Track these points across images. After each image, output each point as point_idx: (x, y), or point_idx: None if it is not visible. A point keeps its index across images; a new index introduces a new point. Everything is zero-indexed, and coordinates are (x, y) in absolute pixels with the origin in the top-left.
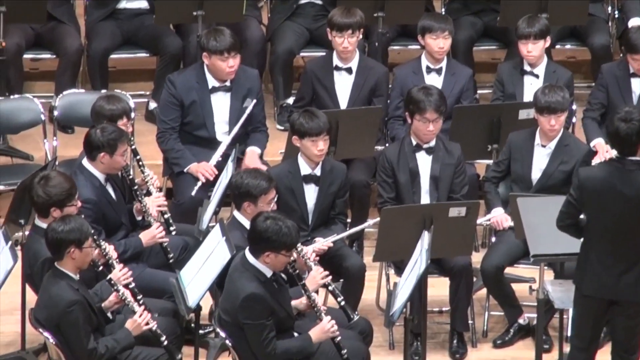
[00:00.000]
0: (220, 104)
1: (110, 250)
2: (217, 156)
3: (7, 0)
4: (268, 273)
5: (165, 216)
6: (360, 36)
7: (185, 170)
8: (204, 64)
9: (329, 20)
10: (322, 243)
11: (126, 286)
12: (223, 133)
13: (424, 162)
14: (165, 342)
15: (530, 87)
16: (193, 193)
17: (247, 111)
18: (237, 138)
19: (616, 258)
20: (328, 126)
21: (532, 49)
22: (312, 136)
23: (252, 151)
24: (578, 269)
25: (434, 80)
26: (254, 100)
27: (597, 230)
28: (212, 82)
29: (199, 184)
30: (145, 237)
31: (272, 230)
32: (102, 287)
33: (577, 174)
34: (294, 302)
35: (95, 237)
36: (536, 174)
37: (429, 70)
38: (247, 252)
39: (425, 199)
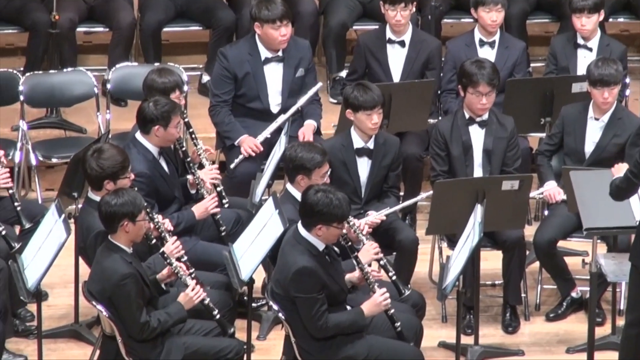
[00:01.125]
0: (273, 75)
1: (164, 223)
2: (266, 133)
3: None
4: (320, 246)
5: (218, 189)
6: (413, 9)
7: (236, 143)
8: (256, 35)
9: None
10: (375, 216)
11: (179, 259)
12: (277, 104)
13: (477, 136)
14: (218, 316)
15: (584, 60)
16: (232, 166)
17: (311, 92)
18: (289, 109)
19: None
20: (382, 99)
21: (586, 23)
22: (366, 109)
23: (309, 125)
24: (635, 245)
25: (487, 54)
26: (319, 84)
27: None
28: (264, 53)
29: (241, 157)
30: (198, 209)
31: (323, 203)
32: (155, 260)
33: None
34: (347, 276)
35: (148, 210)
36: (589, 147)
37: (482, 43)
38: (299, 225)
39: (478, 172)
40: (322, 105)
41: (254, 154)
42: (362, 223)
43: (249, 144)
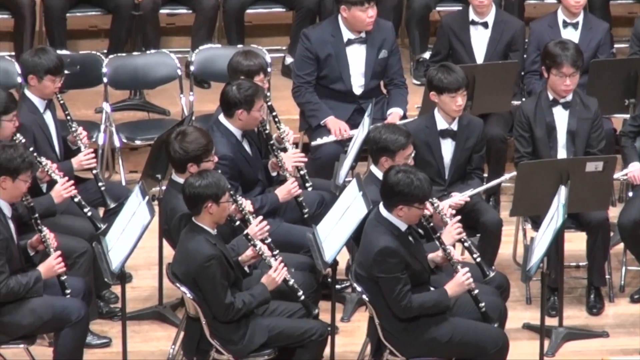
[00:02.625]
0: (356, 56)
1: (247, 205)
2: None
3: None
4: (402, 227)
5: (302, 172)
6: None
7: (322, 123)
8: (338, 17)
9: None
10: (459, 198)
11: (262, 241)
12: (359, 86)
13: (561, 117)
14: (302, 297)
15: None
16: (314, 143)
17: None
18: (372, 91)
19: None
20: (466, 81)
21: None
22: (450, 92)
23: (395, 114)
24: None
25: (571, 35)
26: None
27: None
28: (347, 34)
29: (329, 139)
30: (281, 192)
31: (404, 183)
32: (239, 242)
33: None
34: (430, 256)
35: (232, 192)
36: None
37: (565, 24)
38: (381, 206)
39: (562, 153)
40: (407, 87)
41: (341, 138)
42: (446, 205)
43: (336, 126)
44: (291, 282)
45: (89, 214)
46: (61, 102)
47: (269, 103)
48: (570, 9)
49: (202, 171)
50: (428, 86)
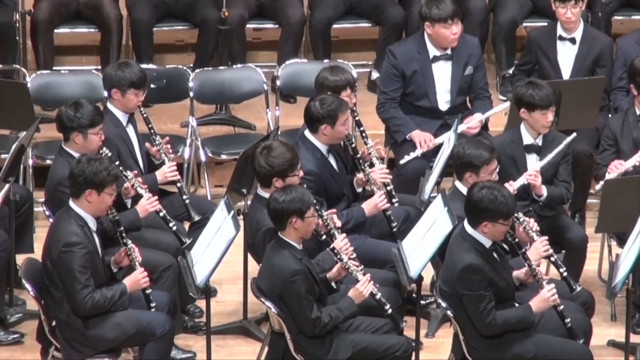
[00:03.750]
0: (442, 73)
1: (333, 219)
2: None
3: None
4: (487, 243)
5: (388, 188)
6: (584, 6)
7: (407, 137)
8: (424, 33)
9: None
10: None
11: (348, 256)
12: (445, 102)
13: None
14: (390, 311)
15: None
16: (402, 162)
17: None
18: (458, 107)
19: None
20: (556, 97)
21: None
22: (542, 108)
23: (475, 117)
24: None
25: None
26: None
27: None
28: (433, 51)
29: (416, 153)
30: (368, 206)
31: (488, 199)
32: (324, 256)
33: None
34: (515, 273)
35: (317, 207)
36: None
37: None
38: (465, 222)
39: None
40: (492, 102)
41: (425, 149)
42: (532, 221)
43: (425, 137)
44: (378, 295)
45: (174, 228)
46: (144, 115)
47: (357, 118)
48: None
49: (286, 186)
50: (517, 103)
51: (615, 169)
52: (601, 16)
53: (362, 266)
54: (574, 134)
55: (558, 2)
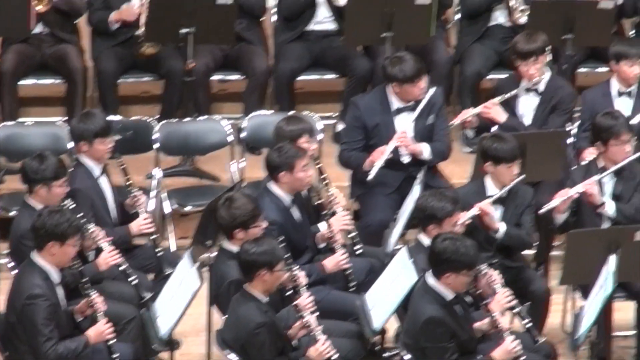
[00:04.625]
0: (405, 125)
1: (301, 276)
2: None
3: (196, 22)
4: (449, 296)
5: (351, 235)
6: (547, 58)
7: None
8: (388, 85)
9: (512, 47)
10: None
11: (311, 314)
12: (407, 155)
13: (609, 183)
14: None
15: None
16: (370, 178)
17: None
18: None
19: None
20: (521, 150)
21: None
22: (508, 162)
23: (422, 145)
24: None
25: (625, 103)
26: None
27: None
28: (396, 103)
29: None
30: (330, 263)
31: (451, 250)
32: (289, 313)
33: None
34: (477, 324)
35: (288, 260)
36: None
37: (619, 93)
38: (427, 274)
39: (606, 221)
40: (457, 156)
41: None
42: (495, 273)
43: (378, 150)
44: (335, 357)
45: (135, 282)
46: (122, 166)
47: (319, 166)
48: (629, 81)
49: (258, 238)
50: (482, 156)
51: (560, 197)
52: (566, 68)
53: (322, 326)
54: (523, 175)
55: (519, 60)
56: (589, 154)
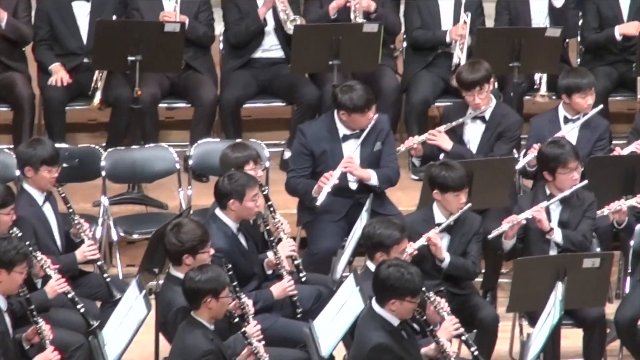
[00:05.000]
0: (352, 152)
1: (249, 304)
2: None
3: (144, 50)
4: (395, 322)
5: (296, 262)
6: (491, 86)
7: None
8: (334, 112)
9: (456, 76)
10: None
11: (259, 342)
12: (354, 181)
13: (555, 210)
14: None
15: None
16: (318, 203)
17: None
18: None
19: None
20: (469, 178)
21: None
22: (455, 190)
23: (369, 171)
24: None
25: (571, 131)
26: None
27: None
28: (343, 130)
29: (324, 192)
30: (277, 289)
31: (395, 277)
32: (236, 340)
33: None
34: (423, 350)
35: (234, 287)
36: None
37: (566, 120)
38: (373, 301)
39: (554, 248)
40: (405, 183)
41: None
42: (442, 300)
43: (324, 175)
44: None
45: (82, 310)
46: (62, 194)
47: (265, 193)
48: (581, 111)
49: (202, 265)
50: (430, 184)
51: (508, 223)
52: (513, 96)
53: (270, 354)
54: (470, 204)
55: (464, 90)
56: None
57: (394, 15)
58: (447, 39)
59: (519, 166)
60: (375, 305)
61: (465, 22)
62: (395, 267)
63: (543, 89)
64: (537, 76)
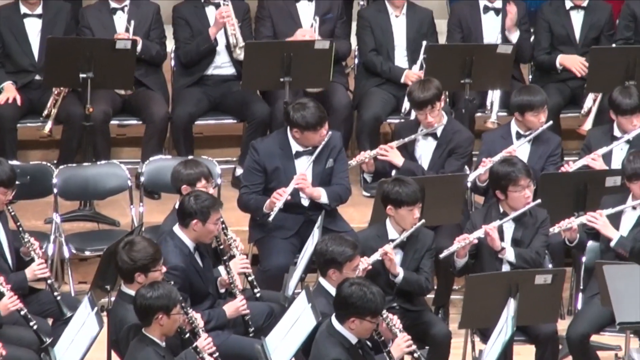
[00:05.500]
0: (304, 169)
1: (198, 318)
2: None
3: (95, 67)
4: (353, 340)
5: (249, 278)
6: (442, 103)
7: (264, 208)
8: (287, 129)
9: (407, 95)
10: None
11: (211, 355)
12: (307, 197)
13: (508, 228)
14: None
15: (621, 152)
16: (270, 219)
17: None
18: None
19: None
20: (422, 193)
21: (637, 122)
22: (409, 205)
23: (319, 190)
24: None
25: (523, 147)
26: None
27: None
28: (295, 147)
29: (276, 208)
30: (229, 309)
31: (357, 295)
32: (187, 355)
33: None
34: None
35: (183, 304)
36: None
37: (518, 136)
38: (333, 317)
39: (505, 265)
40: (356, 199)
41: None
42: (395, 317)
43: (277, 191)
44: None
45: (35, 327)
46: (12, 213)
47: None
48: (533, 128)
49: (154, 282)
50: (384, 200)
51: (460, 242)
52: (465, 112)
53: None
54: (423, 220)
55: (416, 109)
56: None
57: (344, 42)
58: (402, 80)
59: (470, 178)
60: (335, 322)
61: (421, 69)
62: (358, 285)
63: (494, 116)
64: (488, 101)
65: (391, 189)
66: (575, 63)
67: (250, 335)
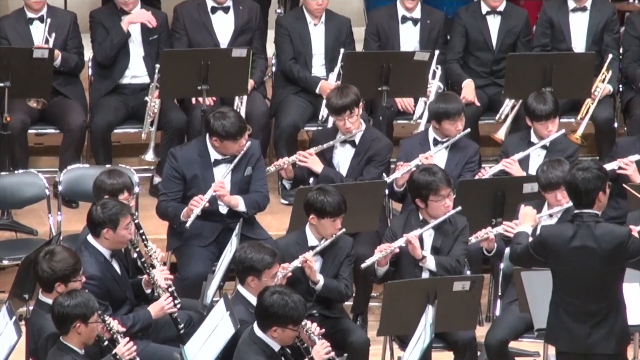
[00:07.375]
0: (222, 177)
1: (115, 325)
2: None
3: (12, 76)
4: (276, 347)
5: (170, 289)
6: (360, 111)
7: (182, 216)
8: (206, 137)
9: (326, 102)
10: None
11: None
12: (225, 206)
13: (427, 236)
14: None
15: (537, 158)
16: (187, 225)
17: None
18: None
19: (586, 312)
20: (345, 204)
21: (552, 128)
22: (332, 215)
23: (236, 198)
24: (550, 328)
25: (440, 154)
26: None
27: (565, 286)
28: (214, 155)
29: (194, 215)
30: (154, 309)
31: (279, 304)
32: None
33: (540, 231)
34: None
35: (100, 312)
36: None
37: (435, 142)
38: (255, 325)
39: (425, 272)
40: (274, 207)
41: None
42: (314, 325)
43: (195, 199)
44: None
45: None
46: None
47: (136, 221)
48: (450, 135)
49: (71, 291)
50: (307, 209)
51: (380, 251)
52: (382, 120)
53: None
54: (343, 229)
55: (334, 115)
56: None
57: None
58: (317, 91)
59: (388, 180)
60: (257, 330)
61: (339, 78)
62: (279, 294)
63: (422, 126)
64: (418, 109)
65: (316, 198)
66: (469, 92)
67: (181, 332)
